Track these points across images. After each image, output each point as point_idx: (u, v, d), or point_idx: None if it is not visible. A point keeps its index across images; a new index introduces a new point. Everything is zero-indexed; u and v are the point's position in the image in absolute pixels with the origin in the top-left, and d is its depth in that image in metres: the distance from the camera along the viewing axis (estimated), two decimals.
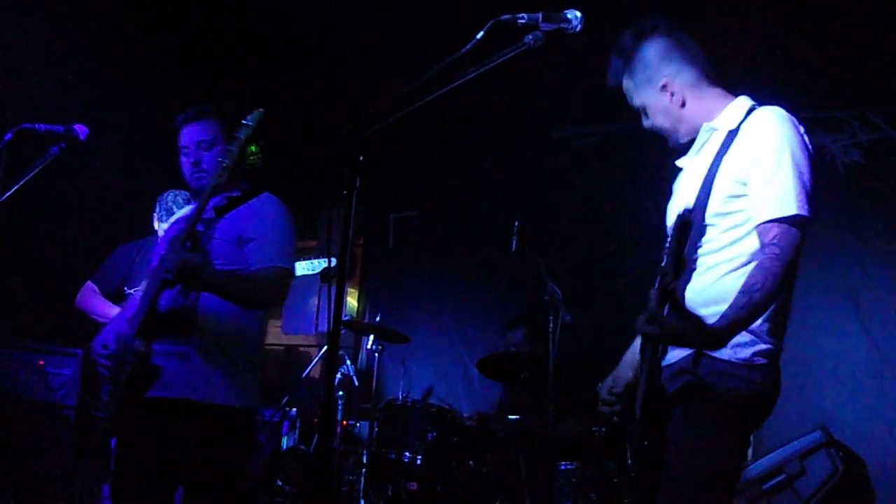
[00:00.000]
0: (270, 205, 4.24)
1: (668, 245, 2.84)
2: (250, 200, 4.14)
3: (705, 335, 2.84)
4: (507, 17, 2.88)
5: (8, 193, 4.35)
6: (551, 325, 5.86)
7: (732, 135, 3.28)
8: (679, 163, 3.60)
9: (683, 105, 3.42)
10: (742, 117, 3.30)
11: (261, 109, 3.93)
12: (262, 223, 4.07)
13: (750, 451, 6.26)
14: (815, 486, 5.69)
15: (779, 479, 5.74)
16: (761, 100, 3.40)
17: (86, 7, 7.57)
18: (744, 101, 3.40)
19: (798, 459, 5.77)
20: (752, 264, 3.05)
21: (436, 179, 9.02)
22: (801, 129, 3.21)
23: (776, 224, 2.98)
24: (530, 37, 2.88)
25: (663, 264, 2.84)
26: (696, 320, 2.83)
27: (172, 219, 4.44)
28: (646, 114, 3.50)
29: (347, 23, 8.23)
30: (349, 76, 8.68)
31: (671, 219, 3.49)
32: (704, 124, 3.39)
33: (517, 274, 7.88)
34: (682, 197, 3.45)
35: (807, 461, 5.77)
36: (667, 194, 3.67)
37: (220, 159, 3.86)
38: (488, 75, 2.83)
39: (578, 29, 2.96)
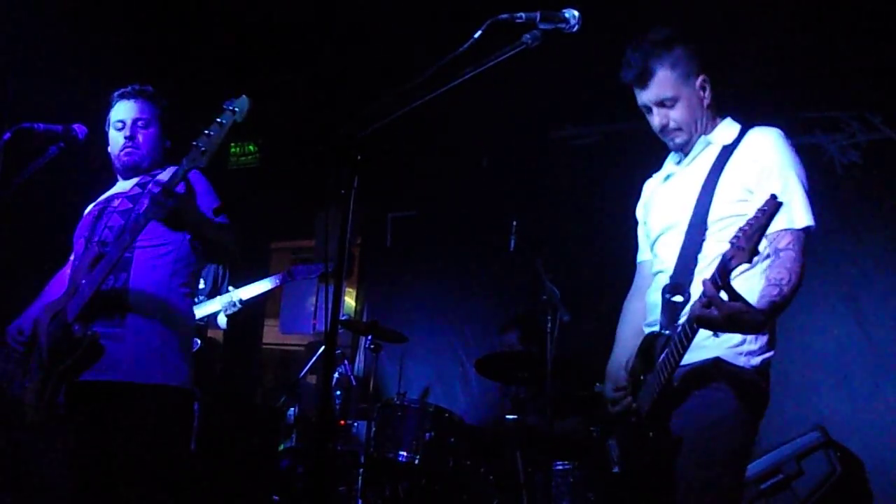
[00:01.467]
0: (197, 179, 4.18)
1: (745, 226, 2.84)
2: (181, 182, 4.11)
3: (755, 318, 2.91)
4: (504, 16, 2.88)
5: (6, 192, 4.35)
6: (549, 324, 5.85)
7: (730, 148, 3.46)
8: (659, 174, 3.79)
9: (708, 108, 3.58)
10: (737, 135, 3.51)
11: (244, 96, 3.85)
12: (201, 199, 4.04)
13: None
14: (813, 487, 5.70)
15: (776, 479, 5.74)
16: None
17: (86, 5, 7.56)
18: (732, 122, 3.63)
19: (796, 460, 5.78)
20: (760, 266, 3.21)
21: (434, 179, 9.01)
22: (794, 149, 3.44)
23: (789, 232, 3.20)
24: (528, 36, 2.89)
25: (729, 247, 2.86)
26: (749, 304, 2.90)
27: (94, 203, 4.39)
28: (670, 107, 3.53)
29: (346, 22, 8.23)
30: (347, 75, 8.68)
31: (661, 223, 3.64)
32: (702, 136, 3.57)
33: (515, 274, 7.87)
34: (673, 202, 3.59)
35: (804, 462, 5.77)
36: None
37: (194, 142, 3.74)
38: (486, 74, 2.83)
39: (576, 28, 2.97)
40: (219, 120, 3.77)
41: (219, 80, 8.66)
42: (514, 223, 6.30)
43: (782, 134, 3.43)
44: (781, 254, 3.15)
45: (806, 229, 3.23)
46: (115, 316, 3.88)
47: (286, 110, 9.18)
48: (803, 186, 3.30)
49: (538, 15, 2.89)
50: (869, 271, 6.65)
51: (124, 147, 4.21)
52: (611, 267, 7.06)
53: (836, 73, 6.88)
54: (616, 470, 3.44)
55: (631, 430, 3.39)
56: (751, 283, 3.13)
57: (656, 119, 3.57)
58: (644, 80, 3.52)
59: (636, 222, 3.96)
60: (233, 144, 10.26)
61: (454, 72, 2.79)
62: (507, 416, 6.61)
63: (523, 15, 2.90)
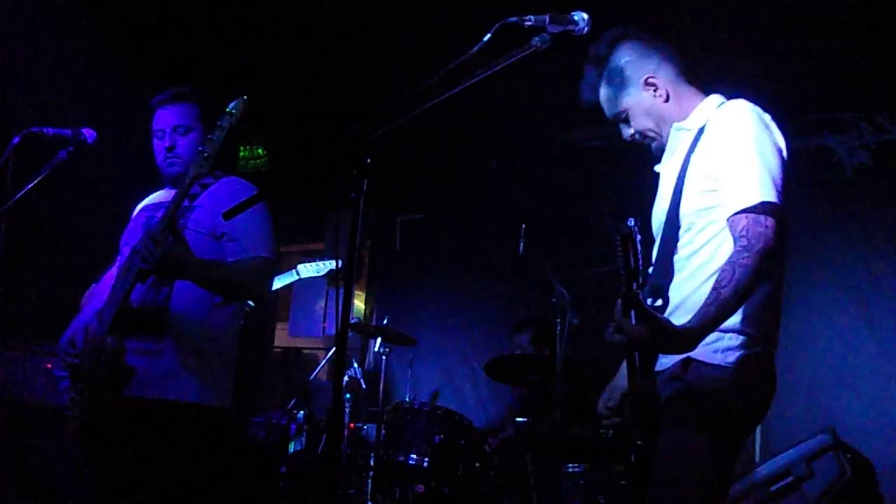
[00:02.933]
0: (243, 189, 4.10)
1: (635, 250, 2.81)
2: (217, 184, 4.09)
3: (674, 337, 2.79)
4: (513, 19, 2.88)
5: (16, 197, 4.37)
6: (559, 327, 5.85)
7: (700, 132, 3.28)
8: (657, 168, 3.60)
9: (667, 100, 3.42)
10: (712, 114, 3.30)
11: (244, 97, 3.80)
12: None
13: (758, 453, 6.27)
14: (823, 489, 5.68)
15: (786, 481, 5.73)
16: (769, 101, 3.40)
17: (95, 11, 7.58)
18: (714, 99, 3.41)
19: (805, 462, 5.76)
20: (716, 263, 3.05)
21: (443, 182, 9.02)
22: (767, 117, 3.19)
23: (744, 215, 2.91)
24: (537, 39, 2.87)
25: (621, 272, 2.82)
26: (662, 324, 2.78)
27: (142, 204, 4.31)
28: (626, 121, 3.48)
29: (355, 25, 8.23)
30: (357, 79, 8.69)
31: (654, 224, 3.50)
32: (675, 124, 3.39)
33: (525, 277, 7.88)
34: (659, 200, 3.47)
35: (814, 463, 5.75)
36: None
37: (199, 148, 3.70)
38: (496, 78, 2.83)
39: (586, 31, 2.96)
40: (219, 123, 3.73)
41: (227, 84, 8.67)
42: (524, 226, 6.31)
43: (747, 105, 3.18)
44: (735, 244, 2.90)
45: (762, 206, 2.89)
46: (154, 332, 3.81)
47: (295, 113, 9.20)
48: (761, 157, 3.00)
49: (547, 18, 2.89)
50: (879, 272, 6.65)
51: (165, 158, 4.07)
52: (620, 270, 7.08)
53: (843, 73, 6.87)
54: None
55: (634, 440, 3.33)
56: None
57: (623, 133, 3.54)
58: (594, 100, 3.53)
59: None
60: (242, 148, 10.28)
61: (464, 75, 2.79)
62: (517, 419, 6.60)
63: (532, 18, 2.89)
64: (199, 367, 3.85)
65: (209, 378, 3.88)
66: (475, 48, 2.80)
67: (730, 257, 2.87)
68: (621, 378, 3.48)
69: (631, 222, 2.82)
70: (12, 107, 7.00)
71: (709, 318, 2.80)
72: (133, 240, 3.97)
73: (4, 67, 7.18)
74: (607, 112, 3.51)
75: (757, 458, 6.14)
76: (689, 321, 2.81)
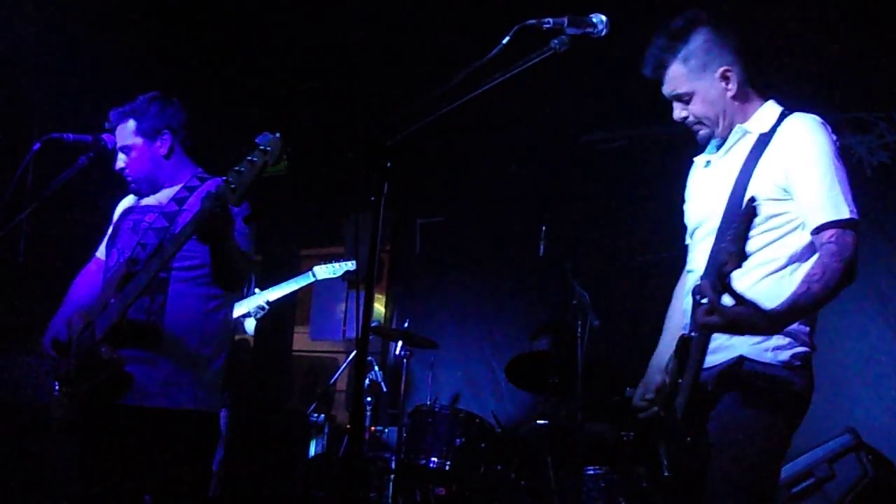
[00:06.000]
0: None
1: (730, 231, 2.85)
2: (203, 187, 4.08)
3: (765, 318, 2.88)
4: (532, 21, 2.88)
5: (37, 202, 4.39)
6: (580, 329, 5.84)
7: (766, 139, 3.34)
8: (701, 158, 3.64)
9: (734, 97, 3.46)
10: (774, 121, 3.37)
11: (277, 135, 3.46)
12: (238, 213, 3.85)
13: None
14: (845, 490, 5.65)
15: (808, 482, 5.70)
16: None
17: (116, 17, 7.61)
18: (774, 106, 3.47)
19: (827, 463, 5.73)
20: (791, 267, 3.20)
21: (462, 184, 9.02)
22: (835, 135, 3.31)
23: (832, 226, 3.11)
24: (556, 41, 2.88)
25: (721, 252, 2.85)
26: (757, 305, 2.87)
27: (123, 207, 4.37)
28: (686, 102, 3.49)
29: (375, 28, 8.25)
30: (376, 82, 8.70)
31: (695, 216, 3.58)
32: (738, 125, 3.45)
33: (545, 279, 7.87)
34: (709, 194, 3.51)
35: (836, 465, 5.72)
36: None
37: (225, 177, 3.49)
38: (515, 80, 2.83)
39: (604, 33, 2.96)
40: (249, 158, 3.42)
41: (247, 88, 8.71)
42: (544, 228, 6.29)
43: (819, 121, 3.32)
44: (823, 248, 3.09)
45: (849, 221, 3.12)
46: (149, 340, 3.84)
47: (315, 117, 9.22)
48: (842, 175, 3.20)
49: (566, 20, 2.89)
50: None
51: (129, 183, 4.23)
52: (641, 271, 7.07)
53: (863, 73, 6.84)
54: (666, 474, 3.41)
55: (674, 435, 3.38)
56: (785, 284, 3.11)
57: (675, 112, 3.55)
58: (659, 74, 3.50)
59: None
60: None
61: (483, 78, 2.80)
62: (538, 421, 6.59)
63: (551, 20, 2.89)
64: (194, 373, 3.91)
65: (203, 383, 3.94)
66: (494, 51, 2.81)
67: (820, 258, 3.07)
68: (655, 373, 3.59)
69: (754, 201, 2.87)
70: (33, 112, 7.04)
71: (798, 307, 2.97)
72: (123, 244, 4.04)
73: (26, 73, 7.23)
74: (671, 88, 3.50)
75: None
76: (779, 305, 2.94)
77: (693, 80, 3.44)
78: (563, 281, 6.14)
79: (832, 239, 3.07)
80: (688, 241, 3.72)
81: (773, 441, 3.18)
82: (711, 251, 3.33)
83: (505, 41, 2.82)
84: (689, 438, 3.20)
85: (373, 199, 2.79)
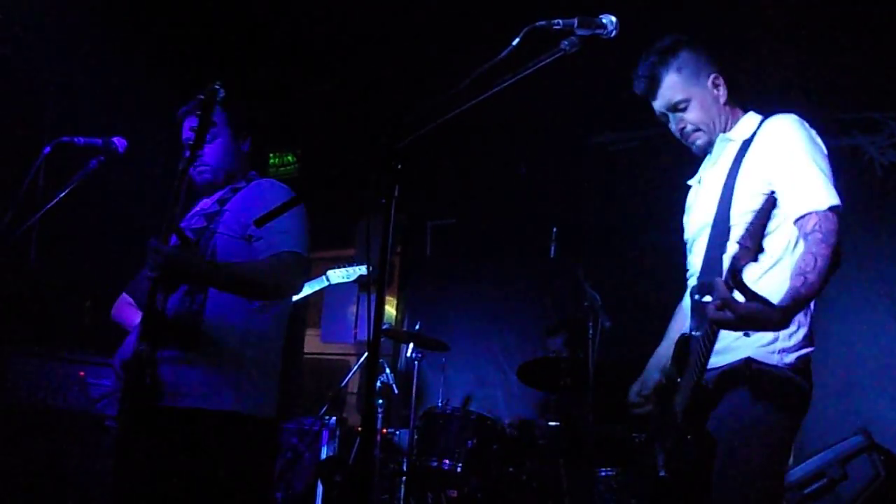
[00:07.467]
0: (273, 190, 4.04)
1: (747, 227, 2.86)
2: (248, 188, 4.05)
3: (775, 313, 2.88)
4: (542, 23, 2.87)
5: (48, 206, 4.39)
6: (591, 331, 5.84)
7: (748, 143, 3.46)
8: (692, 180, 3.79)
9: (724, 104, 3.59)
10: (755, 128, 3.50)
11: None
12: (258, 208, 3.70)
13: (791, 456, 6.22)
14: (857, 491, 5.65)
15: (820, 483, 5.70)
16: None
17: (126, 20, 7.64)
18: (754, 115, 3.62)
19: (839, 464, 5.72)
20: (783, 260, 3.24)
21: (473, 187, 9.03)
22: (814, 131, 3.39)
23: (814, 214, 3.11)
24: (566, 42, 2.87)
25: (735, 250, 2.85)
26: (767, 301, 2.87)
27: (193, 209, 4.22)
28: (683, 111, 3.59)
29: (384, 31, 8.26)
30: (386, 84, 8.71)
31: (691, 229, 3.69)
32: (721, 135, 3.57)
33: (556, 280, 7.87)
34: (701, 206, 3.61)
35: (848, 465, 5.72)
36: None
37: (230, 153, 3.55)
38: (525, 82, 2.83)
39: (614, 34, 2.95)
40: None
41: (259, 90, 8.72)
42: (555, 230, 6.29)
43: (797, 118, 3.40)
44: (809, 237, 3.08)
45: (832, 209, 3.11)
46: (187, 340, 3.72)
47: (325, 120, 9.23)
48: (823, 165, 3.24)
49: (576, 21, 2.88)
50: None
51: (195, 168, 3.97)
52: (652, 272, 7.06)
53: (872, 73, 6.83)
54: (662, 474, 3.43)
55: (671, 434, 3.39)
56: (779, 279, 3.13)
57: (673, 124, 3.65)
58: (653, 88, 3.61)
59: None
60: (272, 155, 10.34)
61: (493, 79, 2.79)
62: (550, 423, 6.59)
63: (561, 21, 2.89)
64: (236, 374, 3.77)
65: (248, 386, 3.80)
66: (504, 52, 2.80)
67: (807, 248, 3.06)
68: (653, 371, 3.71)
69: (773, 195, 2.99)
70: (43, 116, 7.05)
71: (800, 298, 2.96)
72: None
73: (36, 77, 7.25)
74: (666, 99, 3.60)
75: (790, 461, 6.10)
76: (783, 300, 2.93)
77: (689, 86, 3.57)
78: (575, 282, 6.14)
79: (817, 227, 3.08)
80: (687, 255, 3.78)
81: (783, 441, 3.22)
82: (705, 255, 3.43)
83: (515, 43, 2.81)
84: (688, 437, 3.23)
85: (383, 201, 2.78)
